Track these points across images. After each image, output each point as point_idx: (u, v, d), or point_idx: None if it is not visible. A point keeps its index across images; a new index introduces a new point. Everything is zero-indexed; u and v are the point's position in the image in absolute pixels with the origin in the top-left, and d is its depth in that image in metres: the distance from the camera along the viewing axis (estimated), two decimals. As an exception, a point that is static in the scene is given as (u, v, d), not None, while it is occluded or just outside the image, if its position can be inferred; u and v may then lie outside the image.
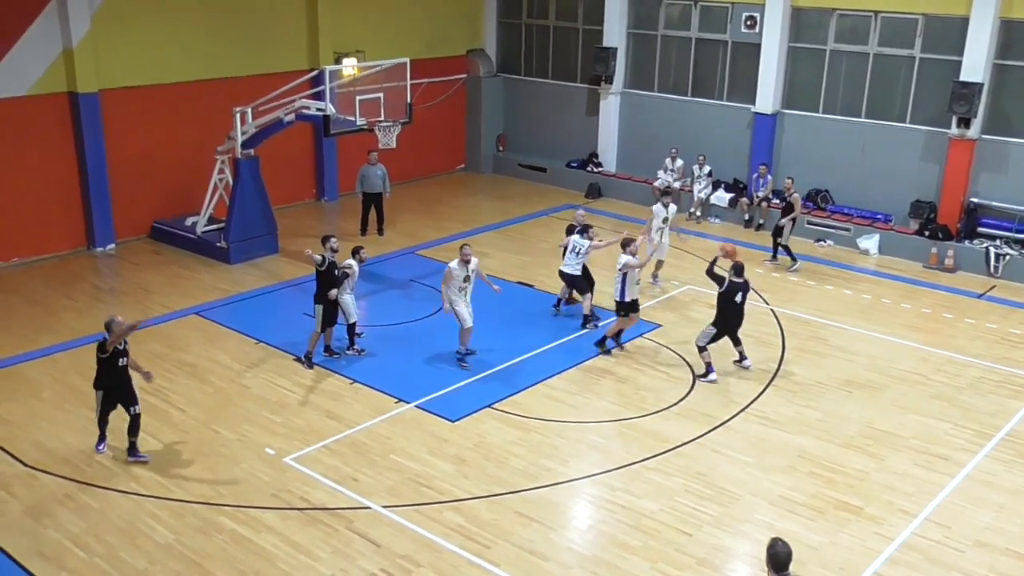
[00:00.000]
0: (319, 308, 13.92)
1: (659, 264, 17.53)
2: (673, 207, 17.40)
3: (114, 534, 10.11)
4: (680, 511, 10.70)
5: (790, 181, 19.02)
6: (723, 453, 11.97)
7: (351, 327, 14.47)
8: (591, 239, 15.71)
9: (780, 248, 18.99)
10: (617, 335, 14.87)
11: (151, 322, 15.56)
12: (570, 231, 16.01)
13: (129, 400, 11.37)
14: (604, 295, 15.81)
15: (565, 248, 15.79)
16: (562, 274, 15.76)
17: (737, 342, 14.21)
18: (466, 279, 13.94)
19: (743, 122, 22.11)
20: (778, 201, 21.30)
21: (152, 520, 10.36)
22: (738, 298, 13.73)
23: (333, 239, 14.27)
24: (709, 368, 13.91)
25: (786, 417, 12.93)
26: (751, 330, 15.78)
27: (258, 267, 18.40)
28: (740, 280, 13.70)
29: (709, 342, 13.88)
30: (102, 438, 11.68)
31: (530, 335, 15.33)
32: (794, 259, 18.80)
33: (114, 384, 11.30)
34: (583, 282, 15.77)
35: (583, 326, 15.65)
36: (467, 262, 13.86)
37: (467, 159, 26.61)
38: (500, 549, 9.98)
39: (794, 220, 18.88)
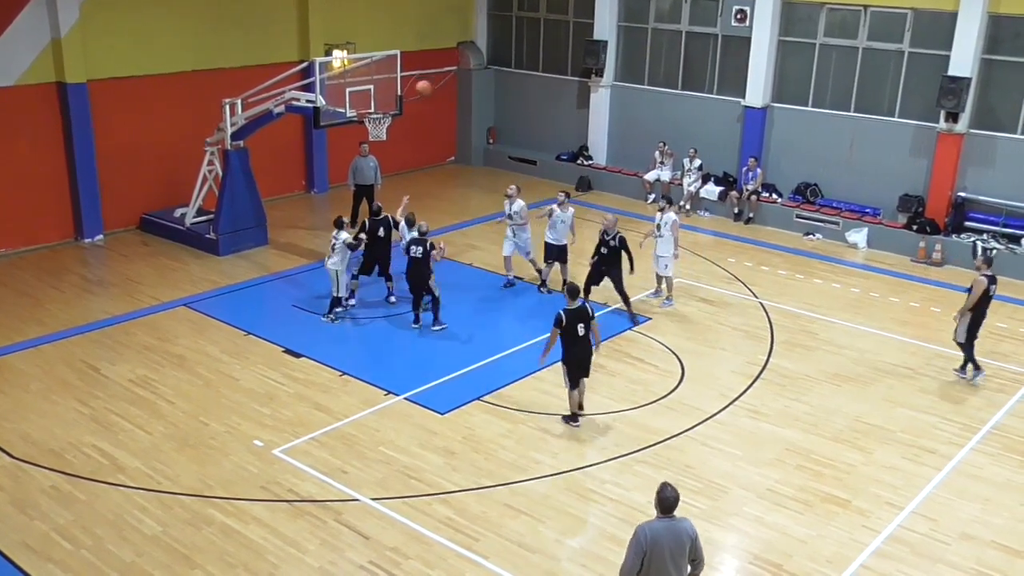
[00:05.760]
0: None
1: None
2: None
3: (101, 526, 10.08)
4: (669, 504, 10.71)
5: (995, 251, 13.86)
6: (712, 446, 12.00)
7: (336, 300, 15.25)
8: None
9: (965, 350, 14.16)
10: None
11: (139, 313, 15.57)
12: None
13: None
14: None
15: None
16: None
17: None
18: None
19: (733, 115, 22.12)
20: (765, 195, 21.35)
21: (140, 512, 10.33)
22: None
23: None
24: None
25: (775, 410, 12.97)
26: (741, 323, 15.86)
27: (247, 259, 18.34)
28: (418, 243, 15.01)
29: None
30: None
31: (519, 327, 15.33)
32: (967, 364, 14.10)
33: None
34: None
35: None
36: None
37: (457, 151, 26.57)
38: (489, 541, 9.99)
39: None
